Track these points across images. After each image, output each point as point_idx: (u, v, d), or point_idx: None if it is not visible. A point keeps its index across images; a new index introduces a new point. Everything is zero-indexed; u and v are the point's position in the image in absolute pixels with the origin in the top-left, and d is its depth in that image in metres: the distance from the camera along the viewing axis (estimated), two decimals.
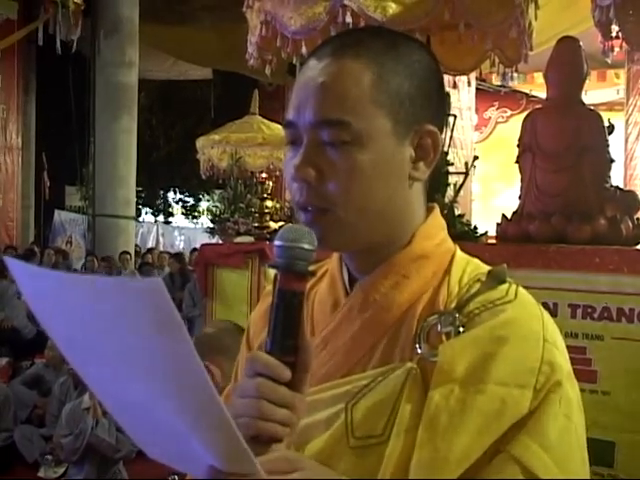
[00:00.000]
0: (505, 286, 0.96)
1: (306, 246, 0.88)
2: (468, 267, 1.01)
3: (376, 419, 0.92)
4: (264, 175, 7.34)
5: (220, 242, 5.98)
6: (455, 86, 5.25)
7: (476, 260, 1.04)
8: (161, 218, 23.98)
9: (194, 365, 0.71)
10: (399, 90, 0.97)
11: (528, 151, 3.47)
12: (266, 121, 9.56)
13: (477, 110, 11.24)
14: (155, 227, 19.72)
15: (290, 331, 0.87)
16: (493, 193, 13.31)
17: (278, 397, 0.84)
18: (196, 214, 23.91)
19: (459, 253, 1.05)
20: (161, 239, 18.67)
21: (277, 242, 0.88)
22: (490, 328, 0.91)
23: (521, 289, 0.97)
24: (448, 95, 4.61)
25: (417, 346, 0.94)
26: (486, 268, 1.01)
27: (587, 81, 3.59)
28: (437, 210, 1.07)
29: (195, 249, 12.56)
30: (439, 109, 1.04)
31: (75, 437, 4.69)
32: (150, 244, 17.39)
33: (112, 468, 4.88)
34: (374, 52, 0.98)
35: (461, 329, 0.92)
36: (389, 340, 0.98)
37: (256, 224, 5.67)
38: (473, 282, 0.98)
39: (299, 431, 0.89)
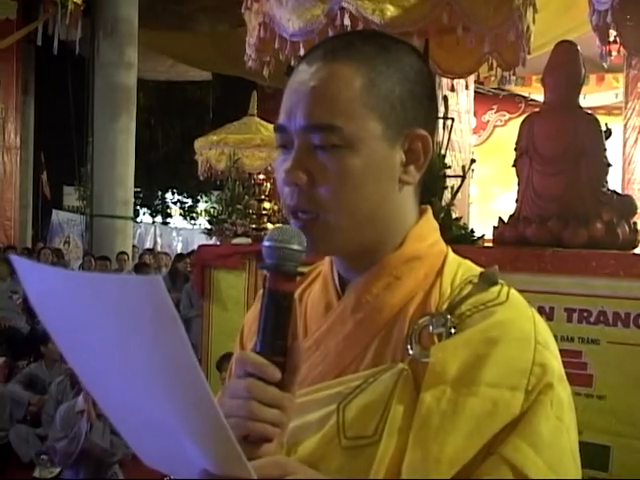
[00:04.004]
0: (497, 288, 0.96)
1: (295, 247, 0.88)
2: (460, 269, 1.01)
3: (367, 420, 0.92)
4: (262, 177, 7.30)
5: (217, 243, 5.98)
6: (453, 89, 5.26)
7: (468, 262, 1.04)
8: (159, 219, 23.98)
9: (189, 363, 0.71)
10: (390, 94, 0.97)
11: (525, 155, 3.47)
12: (264, 122, 9.53)
13: (475, 113, 11.23)
14: (153, 228, 19.71)
15: (280, 332, 0.87)
16: (491, 196, 13.30)
17: (268, 397, 0.84)
18: (194, 215, 23.91)
19: (451, 255, 1.04)
20: (159, 240, 18.66)
21: (266, 242, 0.88)
22: (482, 330, 0.91)
23: (513, 291, 0.97)
24: (446, 98, 4.62)
25: (409, 347, 0.94)
26: (478, 270, 1.01)
27: (586, 85, 3.59)
28: (430, 212, 1.07)
29: (181, 253, 12.56)
30: (430, 113, 1.04)
31: (69, 441, 4.65)
32: (148, 245, 17.39)
33: (108, 471, 4.85)
34: (365, 56, 0.97)
35: (453, 330, 0.92)
36: (381, 341, 0.97)
37: (253, 225, 5.66)
38: (465, 284, 0.97)
39: (291, 432, 0.90)
